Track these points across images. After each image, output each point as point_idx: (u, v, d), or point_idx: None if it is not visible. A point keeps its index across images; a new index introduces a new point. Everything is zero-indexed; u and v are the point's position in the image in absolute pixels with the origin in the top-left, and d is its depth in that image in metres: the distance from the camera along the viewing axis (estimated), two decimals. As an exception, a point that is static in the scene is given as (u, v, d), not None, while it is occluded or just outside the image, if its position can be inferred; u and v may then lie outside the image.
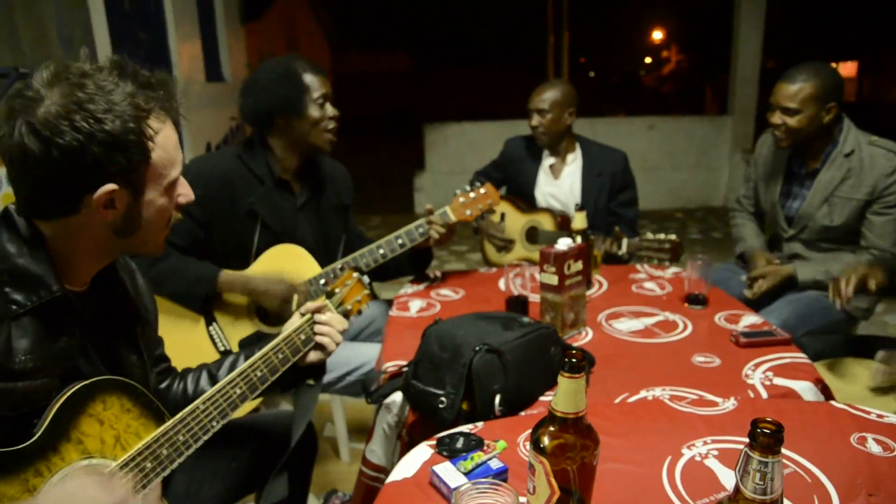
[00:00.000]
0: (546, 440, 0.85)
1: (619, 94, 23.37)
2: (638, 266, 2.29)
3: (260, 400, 1.79)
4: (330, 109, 1.97)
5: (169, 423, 1.06)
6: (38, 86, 0.92)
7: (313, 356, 1.33)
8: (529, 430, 0.97)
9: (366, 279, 1.46)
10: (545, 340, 1.37)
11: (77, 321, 1.02)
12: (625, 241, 2.33)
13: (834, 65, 2.29)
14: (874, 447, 1.09)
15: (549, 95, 2.63)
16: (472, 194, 2.06)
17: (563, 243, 1.64)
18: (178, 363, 1.39)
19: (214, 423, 1.12)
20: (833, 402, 1.26)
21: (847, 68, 20.28)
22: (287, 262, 1.93)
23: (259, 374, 1.21)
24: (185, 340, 1.86)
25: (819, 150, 2.21)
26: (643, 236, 2.33)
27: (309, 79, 1.92)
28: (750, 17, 6.83)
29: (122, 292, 1.14)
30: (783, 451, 1.06)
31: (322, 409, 2.81)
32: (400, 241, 1.99)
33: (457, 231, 2.09)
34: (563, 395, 0.83)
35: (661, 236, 2.27)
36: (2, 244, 0.95)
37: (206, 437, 1.10)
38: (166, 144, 1.01)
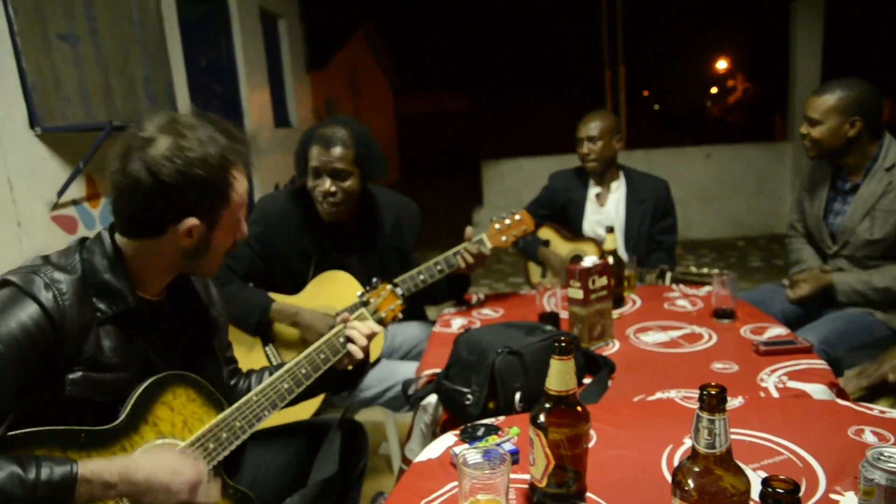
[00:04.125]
0: (541, 416, 0.98)
1: (684, 125, 23.11)
2: (673, 286, 2.37)
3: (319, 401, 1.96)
4: (323, 184, 2.02)
5: (227, 410, 1.25)
6: (152, 130, 1.13)
7: (346, 360, 1.49)
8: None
9: (399, 290, 1.63)
10: (565, 346, 1.49)
11: (151, 327, 1.22)
12: (668, 276, 2.43)
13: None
14: (870, 437, 1.16)
15: (598, 124, 2.77)
16: (507, 221, 2.19)
17: (589, 260, 1.77)
18: None
19: (266, 413, 1.30)
20: (838, 400, 1.33)
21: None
22: (334, 287, 2.10)
23: (303, 371, 1.39)
24: (244, 358, 2.06)
25: (858, 165, 2.25)
26: (686, 270, 2.42)
27: (313, 150, 2.03)
28: (807, 42, 6.79)
29: (196, 300, 1.35)
30: (780, 440, 1.16)
31: (377, 429, 2.97)
32: (439, 267, 2.09)
33: (490, 258, 2.16)
34: (554, 376, 0.97)
35: (704, 270, 2.36)
36: (95, 261, 1.16)
37: (259, 425, 1.28)
38: (241, 191, 1.21)
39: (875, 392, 1.79)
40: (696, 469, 0.79)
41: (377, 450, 2.86)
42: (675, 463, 1.13)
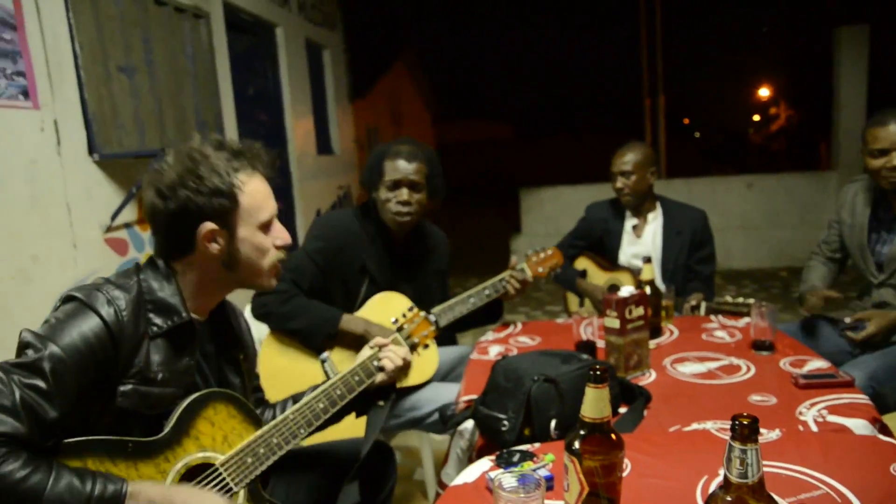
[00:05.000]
0: (576, 443, 1.00)
1: (726, 153, 22.85)
2: (711, 316, 2.35)
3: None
4: (401, 194, 2.16)
5: (265, 427, 1.31)
6: (164, 163, 1.26)
7: (380, 377, 1.57)
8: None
9: (431, 317, 1.70)
10: (601, 375, 1.50)
11: (197, 345, 1.30)
12: (703, 306, 2.41)
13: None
14: (912, 475, 1.14)
15: (630, 157, 2.78)
16: (541, 255, 2.31)
17: (626, 290, 1.78)
18: (296, 391, 1.63)
19: (302, 431, 1.35)
20: (880, 436, 1.31)
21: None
22: (392, 307, 2.17)
23: (338, 392, 1.44)
24: (302, 373, 2.13)
25: None
26: (722, 300, 2.40)
27: (389, 164, 2.19)
28: (851, 69, 6.71)
29: (231, 328, 1.43)
30: (818, 475, 1.16)
31: (413, 455, 2.99)
32: (487, 292, 2.21)
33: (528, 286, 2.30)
34: (589, 403, 0.99)
35: (740, 300, 2.34)
36: (150, 282, 1.26)
37: (295, 442, 1.33)
38: (254, 193, 1.29)
39: None
40: (729, 499, 0.81)
41: (412, 475, 2.88)
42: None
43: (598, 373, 0.98)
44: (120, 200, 3.28)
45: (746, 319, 2.27)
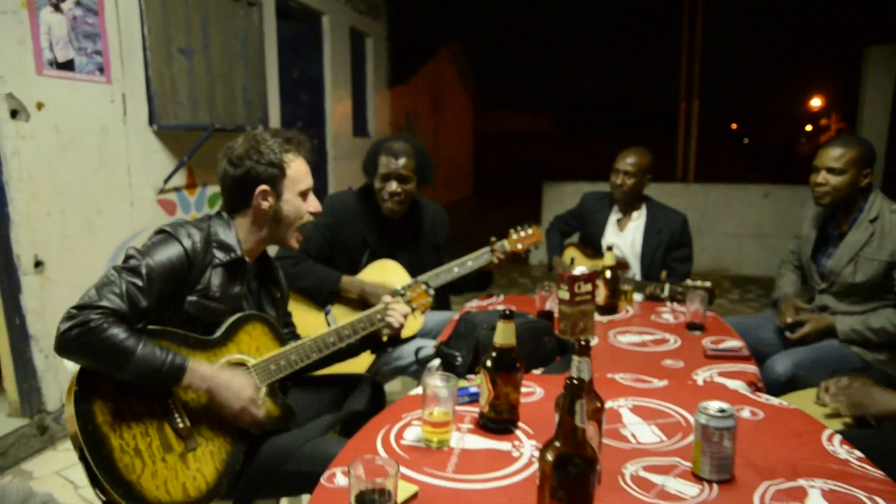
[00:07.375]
0: (488, 361, 1.40)
1: (771, 161, 22.63)
2: (668, 302, 2.71)
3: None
4: (391, 185, 2.56)
5: (287, 346, 1.74)
6: (236, 142, 1.73)
7: (386, 331, 1.97)
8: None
9: (431, 291, 2.09)
10: (540, 331, 1.90)
11: (245, 277, 1.73)
12: (666, 286, 2.77)
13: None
14: (746, 413, 1.51)
15: (635, 160, 3.12)
16: (522, 233, 2.68)
17: (579, 270, 2.16)
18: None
19: (314, 354, 1.77)
20: (742, 391, 1.67)
21: None
22: (386, 272, 2.60)
23: (346, 332, 1.85)
24: (309, 323, 2.56)
25: (848, 215, 2.53)
26: (683, 283, 2.75)
27: (382, 159, 2.59)
28: (878, 88, 6.86)
29: (272, 272, 1.87)
30: (678, 409, 1.53)
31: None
32: (469, 263, 2.58)
33: (533, 274, 2.67)
34: (499, 333, 1.39)
35: (698, 283, 2.68)
36: (216, 227, 1.70)
37: (307, 361, 1.74)
38: (297, 168, 1.74)
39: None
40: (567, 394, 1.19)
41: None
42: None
43: (508, 313, 1.37)
44: (173, 167, 3.76)
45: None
